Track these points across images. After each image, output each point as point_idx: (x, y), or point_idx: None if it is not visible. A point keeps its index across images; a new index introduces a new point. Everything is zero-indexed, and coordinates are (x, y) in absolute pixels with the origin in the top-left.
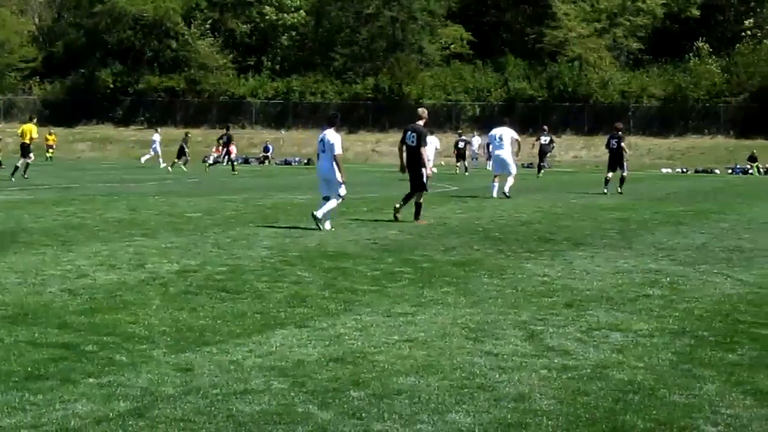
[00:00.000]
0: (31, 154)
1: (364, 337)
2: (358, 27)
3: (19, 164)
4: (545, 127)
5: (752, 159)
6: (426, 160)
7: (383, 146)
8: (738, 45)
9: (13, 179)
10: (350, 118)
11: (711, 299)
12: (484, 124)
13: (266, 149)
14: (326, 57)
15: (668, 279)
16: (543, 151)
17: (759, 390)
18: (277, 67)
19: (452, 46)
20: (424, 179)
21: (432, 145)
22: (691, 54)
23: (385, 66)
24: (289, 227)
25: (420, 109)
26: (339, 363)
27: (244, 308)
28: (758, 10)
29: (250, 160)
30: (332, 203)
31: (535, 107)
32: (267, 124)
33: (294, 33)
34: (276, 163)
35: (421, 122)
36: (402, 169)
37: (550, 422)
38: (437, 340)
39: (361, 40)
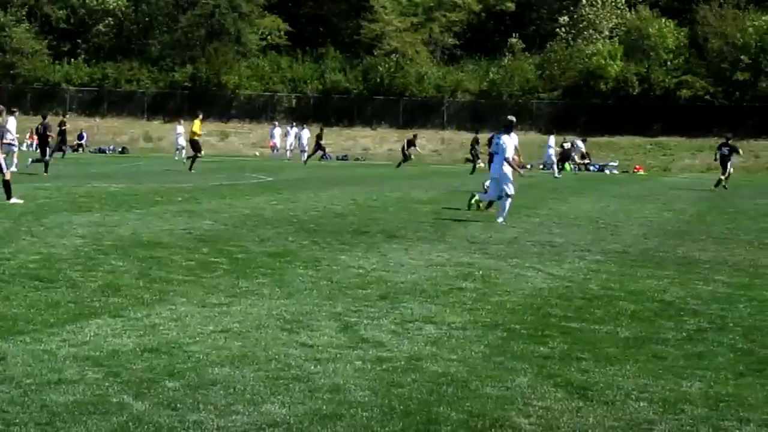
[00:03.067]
0: None
1: (179, 328)
2: (177, 15)
3: None
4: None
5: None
6: None
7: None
8: (551, 42)
9: None
10: (166, 107)
11: (523, 293)
12: (300, 115)
13: (80, 137)
14: (143, 44)
15: (481, 272)
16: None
17: (569, 382)
18: (93, 53)
19: (270, 36)
20: None
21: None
22: (505, 50)
23: (203, 55)
24: (104, 216)
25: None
26: (154, 353)
27: (57, 297)
28: (571, 8)
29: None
30: (507, 203)
31: (350, 100)
32: (81, 112)
33: (111, 19)
34: (90, 152)
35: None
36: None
37: (364, 414)
38: (252, 331)
39: (179, 27)
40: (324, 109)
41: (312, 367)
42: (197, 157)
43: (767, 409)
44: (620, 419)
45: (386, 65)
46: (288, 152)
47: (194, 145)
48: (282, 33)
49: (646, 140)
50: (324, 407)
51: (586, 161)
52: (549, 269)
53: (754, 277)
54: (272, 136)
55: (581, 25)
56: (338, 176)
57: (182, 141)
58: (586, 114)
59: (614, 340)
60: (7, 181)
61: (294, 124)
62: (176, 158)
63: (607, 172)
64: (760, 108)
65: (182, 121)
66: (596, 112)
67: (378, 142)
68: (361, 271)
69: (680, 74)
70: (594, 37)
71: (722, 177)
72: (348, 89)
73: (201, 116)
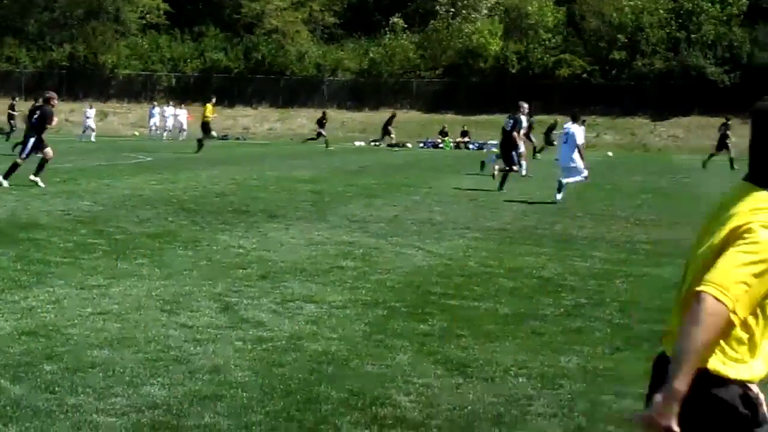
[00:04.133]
0: None
1: (57, 310)
2: None
3: None
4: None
5: (443, 133)
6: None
7: (77, 116)
8: (432, 21)
9: None
10: (44, 87)
11: (403, 271)
12: (180, 94)
13: None
14: (22, 23)
15: (361, 251)
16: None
17: (449, 359)
18: None
19: (149, 15)
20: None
21: None
22: (386, 29)
23: (82, 34)
24: None
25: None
26: (31, 336)
27: None
28: None
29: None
30: (578, 178)
31: (231, 79)
32: None
33: None
34: None
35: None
36: None
37: (245, 394)
38: (131, 313)
39: (58, 6)
40: (204, 89)
41: (192, 348)
42: (205, 139)
43: (643, 383)
44: (499, 395)
45: (267, 44)
46: (166, 132)
47: (205, 128)
48: (161, 12)
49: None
50: (204, 388)
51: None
52: (429, 247)
53: (630, 253)
54: (151, 116)
55: (461, 4)
56: (219, 156)
57: (92, 123)
58: (465, 92)
59: (493, 316)
60: None
61: (171, 103)
62: (83, 140)
63: (485, 150)
64: (635, 86)
65: (92, 103)
66: (476, 90)
67: (258, 121)
68: (241, 250)
69: (558, 53)
70: (473, 16)
71: (731, 156)
72: (229, 68)
73: (214, 100)
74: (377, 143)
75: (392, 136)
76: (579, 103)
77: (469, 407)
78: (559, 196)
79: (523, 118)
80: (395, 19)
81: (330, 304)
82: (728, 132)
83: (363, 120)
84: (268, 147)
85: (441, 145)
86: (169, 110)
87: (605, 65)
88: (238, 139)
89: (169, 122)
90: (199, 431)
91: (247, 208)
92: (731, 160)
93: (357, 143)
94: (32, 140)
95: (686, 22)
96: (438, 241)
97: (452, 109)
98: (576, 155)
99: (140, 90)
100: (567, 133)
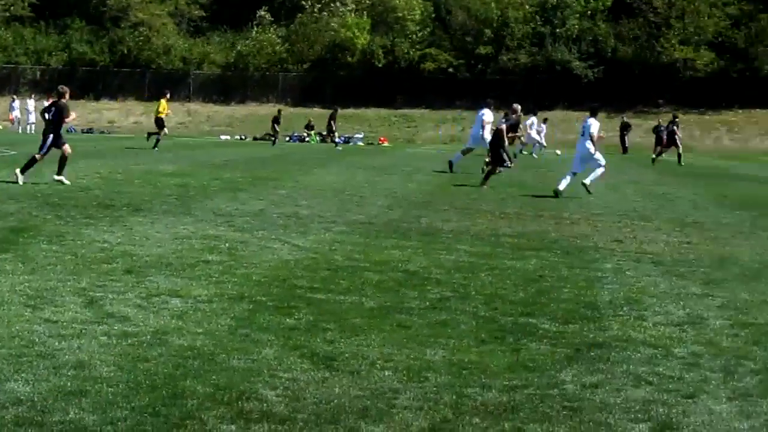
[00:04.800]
0: None
1: None
2: None
3: None
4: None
5: (309, 127)
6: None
7: None
8: (299, 15)
9: None
10: None
11: (269, 265)
12: (44, 87)
13: None
14: None
15: (227, 245)
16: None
17: (315, 353)
18: None
19: (12, 8)
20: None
21: None
22: (253, 23)
23: None
24: None
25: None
26: None
27: None
28: None
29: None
30: (599, 171)
31: (96, 72)
32: None
33: None
34: None
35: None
36: None
37: (110, 389)
38: None
39: None
40: (69, 82)
41: (56, 344)
42: (158, 134)
43: (508, 375)
44: (365, 388)
45: (133, 37)
46: (29, 126)
47: (158, 122)
48: (26, 4)
49: (391, 112)
50: (69, 384)
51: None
52: (295, 241)
53: (495, 246)
54: (12, 109)
55: None
56: (83, 150)
57: (33, 117)
58: (332, 87)
59: (359, 310)
60: None
61: (33, 96)
62: (28, 132)
63: (352, 144)
64: (500, 81)
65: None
66: (343, 84)
67: (124, 114)
68: (106, 245)
69: (425, 47)
70: (341, 10)
71: (680, 152)
72: (94, 61)
73: (168, 95)
74: (273, 138)
75: (335, 131)
76: (445, 98)
77: (335, 401)
78: (562, 186)
79: (513, 117)
80: (262, 13)
81: (195, 298)
82: (676, 128)
83: (230, 114)
84: (133, 140)
85: (307, 139)
86: (31, 103)
87: (471, 59)
88: (103, 132)
89: (32, 116)
90: (64, 427)
91: (112, 202)
92: (679, 156)
93: (223, 137)
94: (51, 137)
95: (551, 17)
96: (304, 234)
97: (319, 103)
98: (590, 146)
99: (4, 83)
100: (585, 126)
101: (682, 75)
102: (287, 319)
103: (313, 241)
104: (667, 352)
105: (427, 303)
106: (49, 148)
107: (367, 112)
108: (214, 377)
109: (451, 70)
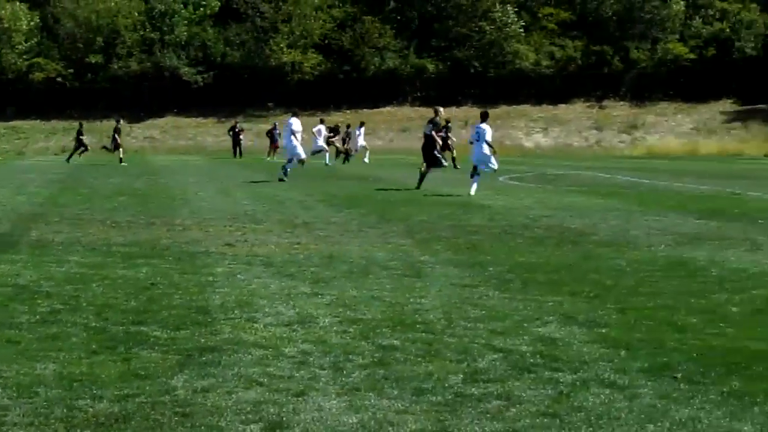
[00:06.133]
0: None
1: None
2: None
3: None
4: None
5: None
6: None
7: None
8: None
9: None
10: None
11: None
12: None
13: None
14: None
15: None
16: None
17: None
18: None
19: None
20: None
21: None
22: None
23: None
24: None
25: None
26: None
27: None
28: None
29: None
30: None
31: None
32: None
33: None
34: None
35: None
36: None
37: None
38: None
39: None
40: None
41: None
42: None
43: (119, 384)
44: None
45: None
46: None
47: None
48: None
49: (1, 125)
50: None
51: None
52: None
53: (107, 256)
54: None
55: None
56: None
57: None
58: None
59: None
60: None
61: None
62: None
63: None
64: (111, 89)
65: None
66: None
67: None
68: None
69: (32, 57)
70: None
71: (454, 156)
72: None
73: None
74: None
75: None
76: (55, 108)
77: None
78: (472, 190)
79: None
80: None
81: None
82: (449, 132)
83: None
84: None
85: None
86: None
87: (81, 68)
88: None
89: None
90: None
91: None
92: (453, 159)
93: None
94: None
95: (160, 24)
96: None
97: None
98: (487, 149)
99: None
100: (478, 132)
101: (290, 78)
102: None
103: None
104: (277, 352)
105: (38, 317)
106: None
107: None
108: None
109: (60, 79)
